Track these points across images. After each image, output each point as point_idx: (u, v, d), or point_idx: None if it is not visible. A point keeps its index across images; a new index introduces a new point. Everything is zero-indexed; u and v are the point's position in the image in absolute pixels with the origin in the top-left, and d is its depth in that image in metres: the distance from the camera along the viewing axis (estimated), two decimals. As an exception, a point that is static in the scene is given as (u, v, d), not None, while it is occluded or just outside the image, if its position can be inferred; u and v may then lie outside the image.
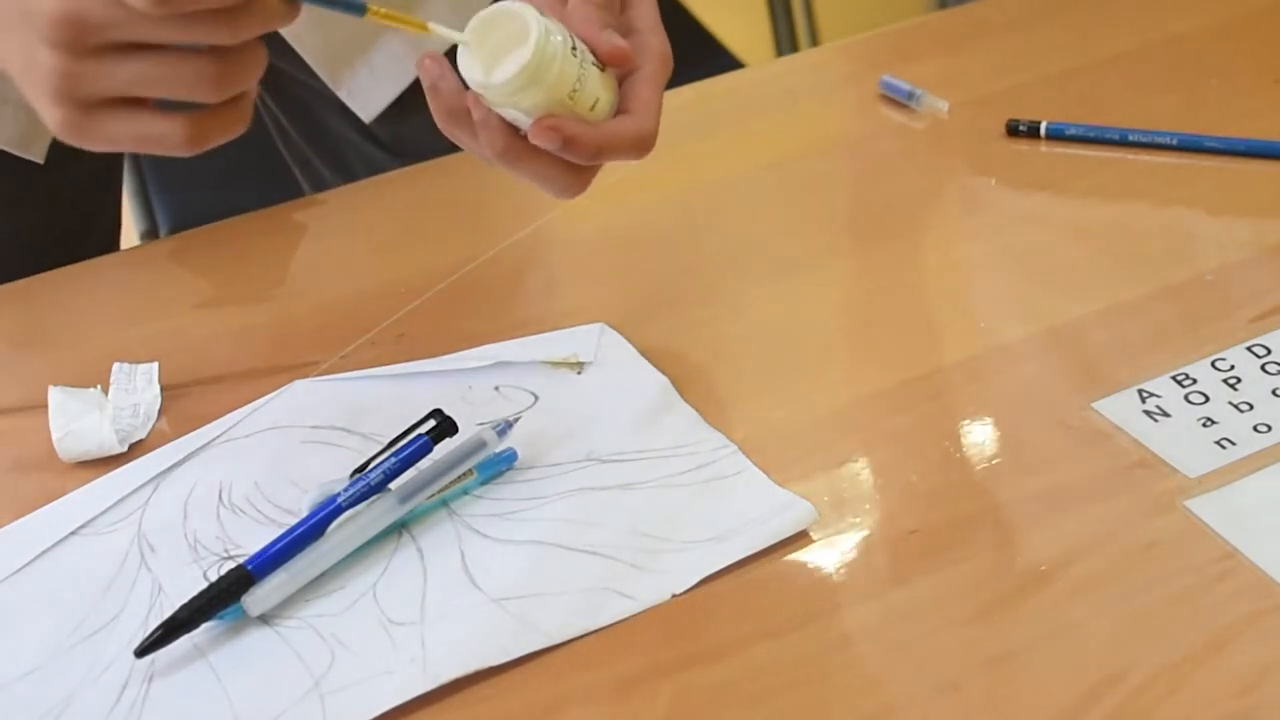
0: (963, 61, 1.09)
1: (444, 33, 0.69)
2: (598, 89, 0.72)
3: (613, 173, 0.97)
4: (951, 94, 1.02)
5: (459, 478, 0.75)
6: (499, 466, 0.76)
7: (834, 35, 2.15)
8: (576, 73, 0.70)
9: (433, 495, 0.75)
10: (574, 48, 0.71)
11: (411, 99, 1.09)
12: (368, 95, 1.06)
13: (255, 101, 1.18)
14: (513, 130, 0.72)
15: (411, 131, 1.07)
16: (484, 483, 0.76)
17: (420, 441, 0.75)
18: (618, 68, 0.74)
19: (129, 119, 0.67)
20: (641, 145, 0.73)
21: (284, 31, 1.02)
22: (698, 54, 1.76)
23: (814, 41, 2.14)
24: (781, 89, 1.10)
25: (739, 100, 1.08)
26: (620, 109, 0.74)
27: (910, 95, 1.02)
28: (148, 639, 0.68)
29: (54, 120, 0.66)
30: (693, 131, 1.02)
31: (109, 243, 1.14)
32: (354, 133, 1.10)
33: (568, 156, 0.71)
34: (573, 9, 0.74)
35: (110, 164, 1.07)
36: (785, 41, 2.08)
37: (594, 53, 0.72)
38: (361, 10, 0.66)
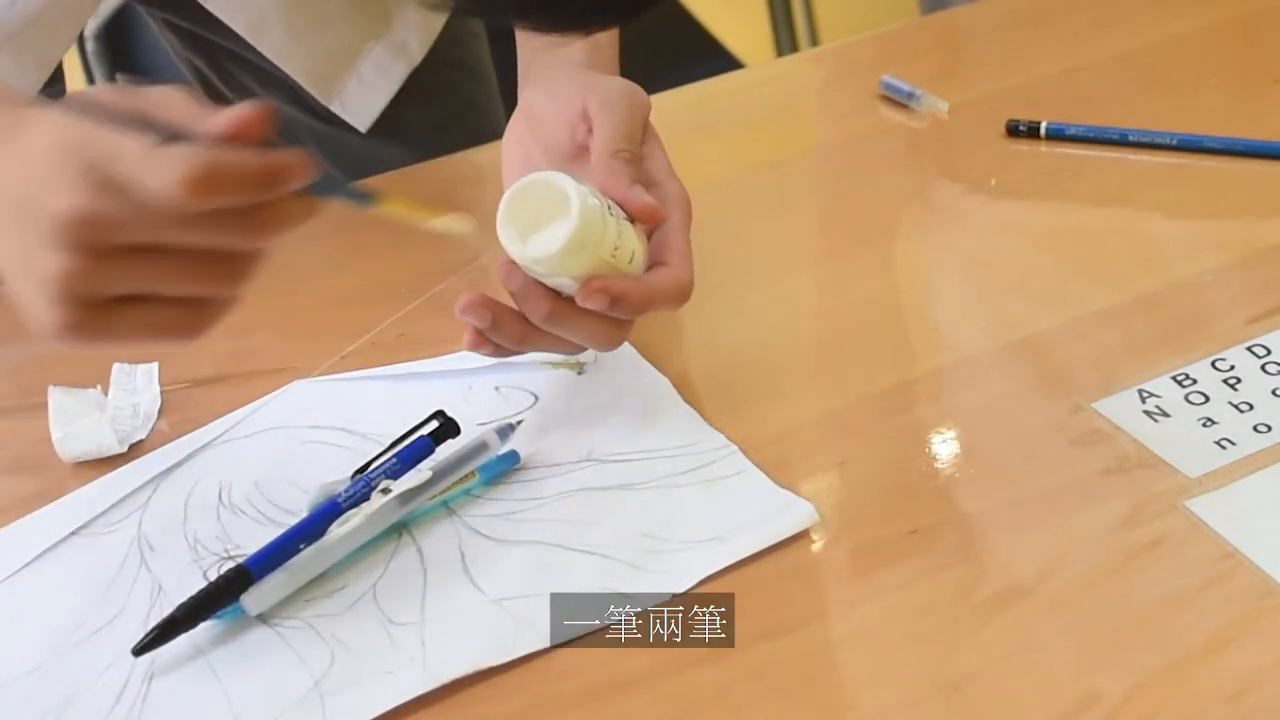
0: (962, 61, 1.09)
1: (448, 226, 0.67)
2: (632, 242, 0.74)
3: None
4: (951, 94, 1.02)
5: (461, 479, 0.75)
6: (501, 468, 0.76)
7: (834, 35, 2.15)
8: (615, 231, 0.73)
9: (434, 497, 0.75)
10: (609, 208, 0.73)
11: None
12: (360, 106, 1.07)
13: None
14: (554, 295, 0.74)
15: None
16: (486, 484, 0.76)
17: (422, 442, 0.75)
18: (649, 224, 0.76)
19: (139, 314, 0.62)
20: (681, 295, 0.76)
21: (270, 54, 1.03)
22: (698, 54, 1.76)
23: (814, 41, 2.14)
24: (781, 89, 1.10)
25: (739, 100, 1.08)
26: (656, 260, 0.76)
27: (910, 95, 1.02)
28: (145, 637, 0.68)
29: (55, 320, 0.61)
30: (693, 131, 1.02)
31: None
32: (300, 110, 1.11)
33: (614, 313, 0.74)
34: (598, 164, 0.76)
35: None
36: (785, 41, 2.08)
37: (625, 210, 0.75)
38: (368, 199, 0.64)
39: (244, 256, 0.63)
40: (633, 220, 0.76)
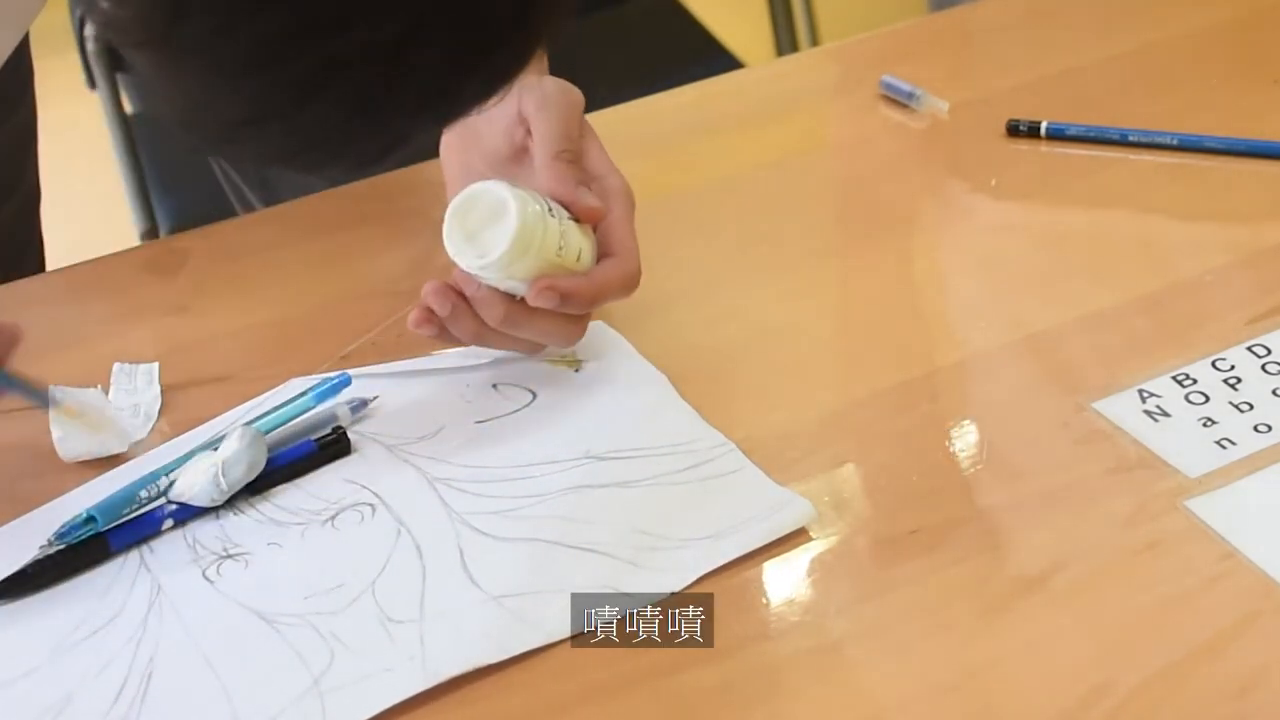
0: (963, 61, 1.09)
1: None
2: (579, 241, 0.77)
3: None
4: (951, 94, 1.02)
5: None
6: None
7: (834, 35, 2.15)
8: (558, 231, 0.76)
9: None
10: (550, 209, 0.76)
11: None
12: None
13: None
14: (509, 298, 0.77)
15: None
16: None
17: (307, 448, 0.78)
18: (593, 222, 0.79)
19: None
20: (630, 284, 0.79)
21: None
22: (698, 54, 1.76)
23: (814, 41, 2.13)
24: (781, 89, 1.10)
25: (739, 100, 1.08)
26: (603, 253, 0.79)
27: (910, 95, 1.02)
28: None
29: None
30: (693, 131, 1.02)
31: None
32: None
33: (566, 310, 0.77)
34: (543, 168, 0.79)
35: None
36: (785, 41, 2.08)
37: (570, 211, 0.77)
38: (43, 402, 0.77)
39: None
40: (579, 221, 0.78)
